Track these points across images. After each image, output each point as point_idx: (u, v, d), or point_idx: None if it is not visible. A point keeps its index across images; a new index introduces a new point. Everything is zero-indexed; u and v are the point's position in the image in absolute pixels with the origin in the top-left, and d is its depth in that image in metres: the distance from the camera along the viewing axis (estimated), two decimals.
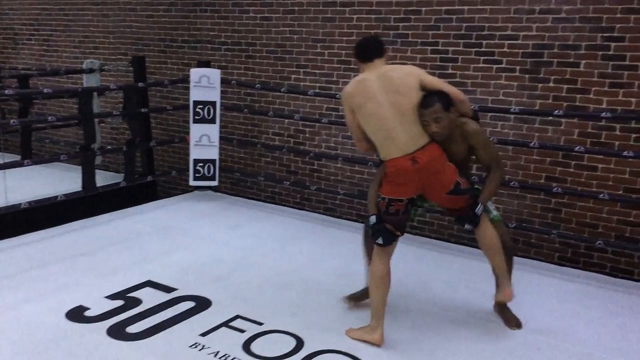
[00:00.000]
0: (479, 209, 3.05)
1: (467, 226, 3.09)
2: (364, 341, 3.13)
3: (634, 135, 4.34)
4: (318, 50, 5.67)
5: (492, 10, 4.74)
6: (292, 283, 3.90)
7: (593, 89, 4.44)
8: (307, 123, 5.82)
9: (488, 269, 3.36)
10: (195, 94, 5.56)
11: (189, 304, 3.54)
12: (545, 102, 4.63)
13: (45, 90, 5.83)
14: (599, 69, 4.39)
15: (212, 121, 5.62)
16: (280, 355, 3.01)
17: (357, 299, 3.51)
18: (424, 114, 2.97)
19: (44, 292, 3.64)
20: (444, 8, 4.95)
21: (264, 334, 3.21)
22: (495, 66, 4.80)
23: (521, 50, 4.67)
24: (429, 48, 5.06)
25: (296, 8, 5.73)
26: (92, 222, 5.04)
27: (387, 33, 5.23)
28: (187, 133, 5.77)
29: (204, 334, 3.19)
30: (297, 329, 3.25)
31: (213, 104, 5.60)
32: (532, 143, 4.52)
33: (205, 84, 5.56)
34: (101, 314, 3.37)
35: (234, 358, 2.97)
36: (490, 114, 4.79)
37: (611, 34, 4.31)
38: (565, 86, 4.54)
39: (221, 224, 5.13)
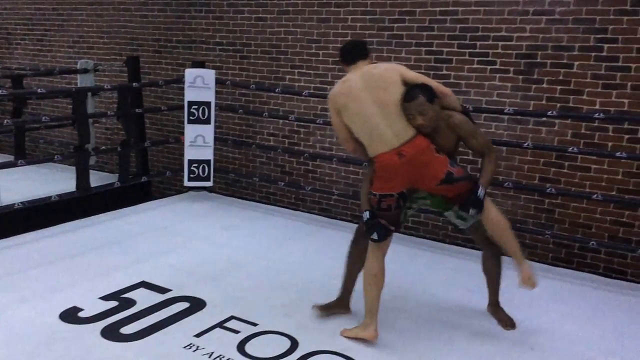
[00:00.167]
0: (480, 191, 2.99)
1: (471, 211, 3.01)
2: (358, 338, 3.14)
3: (626, 136, 4.36)
4: (313, 51, 5.67)
5: (486, 11, 4.76)
6: (287, 284, 3.91)
7: (586, 90, 4.46)
8: (302, 124, 5.83)
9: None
10: (189, 95, 5.55)
11: (184, 305, 3.54)
12: (538, 103, 4.65)
13: (39, 91, 5.82)
14: (592, 70, 4.41)
15: (207, 122, 5.61)
16: (275, 356, 3.01)
17: (329, 309, 3.45)
18: (408, 107, 2.97)
19: (37, 293, 3.63)
20: (438, 9, 4.96)
21: (259, 335, 3.21)
22: (489, 67, 4.81)
23: (515, 52, 4.69)
24: (424, 49, 5.08)
25: (291, 9, 5.74)
26: (86, 222, 5.03)
27: (382, 34, 5.25)
28: (182, 133, 5.76)
29: (198, 335, 3.19)
30: (291, 330, 3.26)
31: (208, 104, 5.59)
32: (526, 144, 4.54)
33: (199, 84, 5.56)
34: (95, 315, 3.36)
35: (228, 359, 2.97)
36: (484, 114, 4.81)
37: (604, 35, 4.33)
38: (559, 87, 4.56)
39: (216, 225, 5.12)
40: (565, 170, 4.64)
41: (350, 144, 3.21)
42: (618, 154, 4.19)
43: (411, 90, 2.99)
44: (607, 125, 4.42)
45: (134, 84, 6.01)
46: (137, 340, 3.12)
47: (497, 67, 4.78)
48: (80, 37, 7.39)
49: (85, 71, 6.45)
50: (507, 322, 3.40)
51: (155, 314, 3.41)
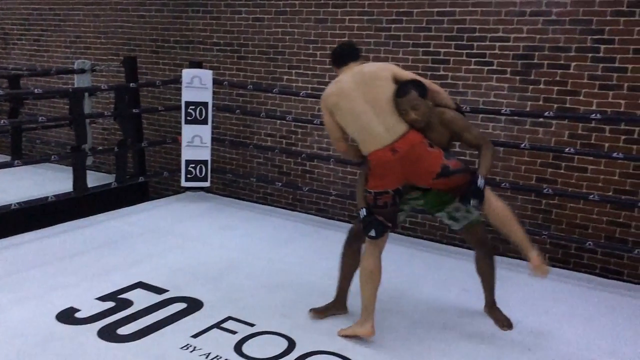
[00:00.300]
0: (480, 181, 2.94)
1: (472, 202, 2.95)
2: (356, 336, 3.15)
3: (623, 137, 4.37)
4: (310, 51, 5.67)
5: (483, 12, 4.77)
6: (284, 284, 3.91)
7: (583, 90, 4.47)
8: (299, 124, 5.83)
9: None
10: (187, 95, 5.55)
11: (181, 306, 3.54)
12: (535, 103, 4.66)
13: (36, 91, 5.80)
14: (588, 71, 4.42)
15: (204, 122, 5.61)
16: (272, 357, 3.01)
17: (326, 311, 3.45)
18: (400, 102, 2.98)
19: (34, 293, 3.62)
20: (435, 10, 4.97)
21: (256, 335, 3.21)
22: (486, 68, 4.82)
23: (512, 52, 4.70)
24: (421, 50, 5.08)
25: (288, 9, 5.74)
26: (83, 223, 5.02)
27: (379, 35, 5.25)
28: (179, 134, 5.75)
29: (195, 336, 3.18)
30: (288, 330, 3.26)
31: (205, 104, 5.59)
32: (523, 144, 4.54)
33: (197, 84, 5.55)
34: (92, 316, 3.36)
35: (225, 359, 2.96)
36: (481, 115, 4.82)
37: (601, 36, 4.34)
38: (556, 88, 4.57)
39: (213, 225, 5.12)
40: (562, 171, 4.65)
41: (343, 144, 3.21)
42: (615, 155, 4.20)
43: (403, 86, 3.00)
44: (603, 126, 4.43)
45: (131, 84, 6.00)
46: (134, 340, 3.12)
47: (494, 67, 4.79)
48: (77, 37, 7.38)
49: (82, 71, 6.43)
50: (504, 323, 3.40)
51: (152, 314, 3.41)
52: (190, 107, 5.55)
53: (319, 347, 3.11)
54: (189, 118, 5.57)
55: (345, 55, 3.24)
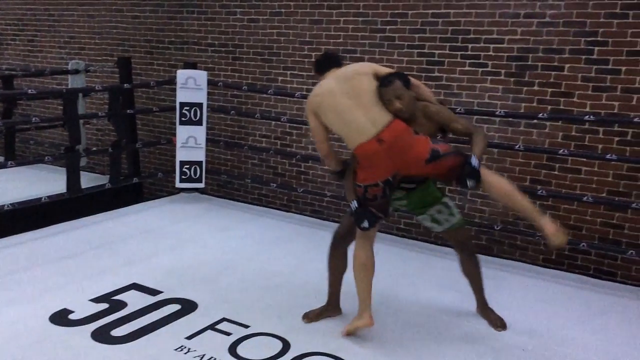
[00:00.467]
0: (474, 161, 2.92)
1: (469, 183, 2.91)
2: (357, 328, 3.17)
3: (616, 139, 4.39)
4: (305, 52, 5.67)
5: (477, 14, 4.78)
6: (279, 285, 3.90)
7: (577, 92, 4.48)
8: (294, 125, 5.82)
9: None
10: (181, 96, 5.54)
11: (175, 307, 3.53)
12: (529, 105, 4.68)
13: (29, 91, 5.77)
14: (582, 72, 4.44)
15: (199, 123, 5.60)
16: (267, 358, 3.00)
17: (319, 315, 3.45)
18: (385, 92, 3.00)
19: (27, 295, 3.61)
20: (430, 11, 4.98)
21: (250, 337, 3.20)
22: (480, 69, 4.83)
23: (506, 54, 4.71)
24: (415, 51, 5.09)
25: (283, 10, 5.74)
26: (77, 224, 5.00)
27: (374, 36, 5.26)
28: (174, 135, 5.74)
29: (189, 337, 3.17)
30: (283, 332, 3.25)
31: (200, 105, 5.58)
32: (517, 146, 4.56)
33: (191, 85, 5.54)
34: (85, 317, 3.34)
35: None
36: (475, 117, 4.83)
37: (595, 38, 4.36)
38: (550, 89, 4.58)
39: (207, 226, 5.11)
40: (556, 172, 4.66)
41: (326, 146, 3.22)
42: (608, 156, 4.22)
43: (387, 77, 3.05)
44: (597, 127, 4.44)
45: (125, 85, 5.98)
46: (127, 342, 3.11)
47: (488, 69, 4.80)
48: (71, 38, 7.36)
49: (76, 72, 6.42)
50: (498, 323, 3.41)
51: (146, 316, 3.40)
52: (185, 108, 5.54)
53: (313, 348, 3.11)
54: (183, 119, 5.56)
55: (327, 63, 3.32)
